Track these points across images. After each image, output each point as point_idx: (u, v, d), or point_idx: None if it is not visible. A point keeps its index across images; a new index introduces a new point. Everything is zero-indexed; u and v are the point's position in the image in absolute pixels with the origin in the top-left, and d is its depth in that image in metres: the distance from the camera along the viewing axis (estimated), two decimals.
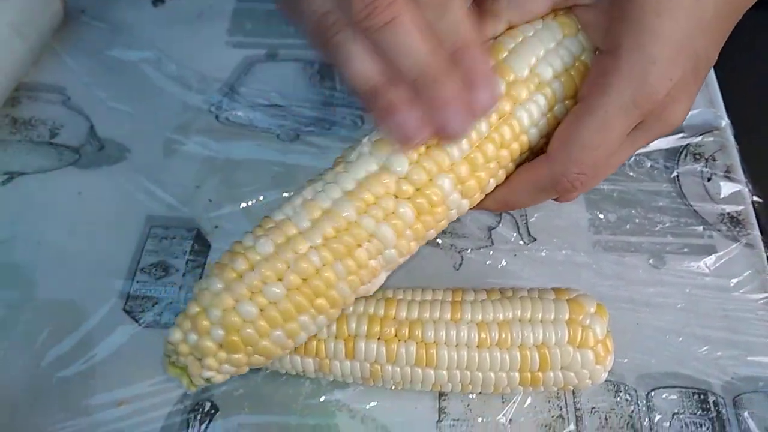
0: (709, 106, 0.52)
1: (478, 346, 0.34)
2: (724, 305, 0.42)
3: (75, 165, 0.49)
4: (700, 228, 0.46)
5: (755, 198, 0.47)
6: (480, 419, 0.38)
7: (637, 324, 0.41)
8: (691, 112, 0.51)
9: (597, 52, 0.36)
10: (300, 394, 0.39)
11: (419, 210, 0.33)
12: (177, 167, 0.48)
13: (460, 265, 0.44)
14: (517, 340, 0.34)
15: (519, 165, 0.37)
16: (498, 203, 0.38)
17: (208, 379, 0.34)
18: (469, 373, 0.35)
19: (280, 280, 0.32)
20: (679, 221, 0.46)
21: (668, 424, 0.38)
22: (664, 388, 0.39)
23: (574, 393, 0.39)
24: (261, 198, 0.47)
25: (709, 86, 0.53)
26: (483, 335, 0.34)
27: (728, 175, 0.48)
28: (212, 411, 0.38)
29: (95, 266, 0.43)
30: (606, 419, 0.38)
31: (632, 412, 0.38)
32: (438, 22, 0.29)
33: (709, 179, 0.48)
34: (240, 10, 0.59)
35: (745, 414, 0.38)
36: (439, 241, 0.45)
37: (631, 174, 0.48)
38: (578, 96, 0.35)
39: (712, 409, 0.38)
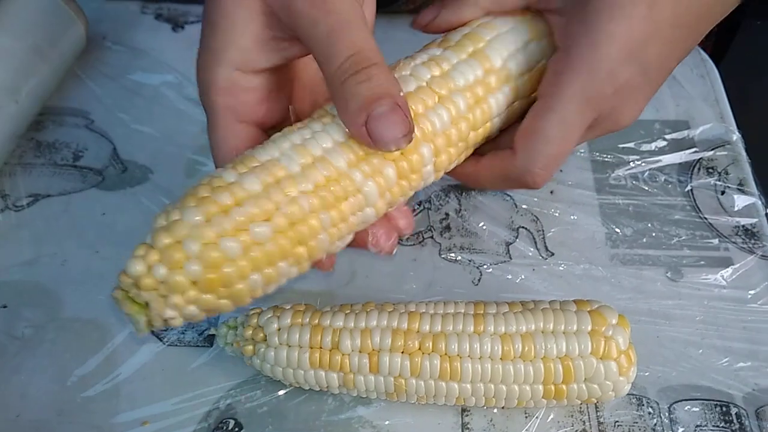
0: (720, 121, 0.52)
1: (501, 359, 0.35)
2: (743, 317, 0.42)
3: (98, 187, 0.49)
4: (716, 241, 0.46)
5: None
6: None
7: (656, 336, 0.42)
8: (702, 127, 0.52)
9: (555, 51, 0.38)
10: (323, 411, 0.39)
11: (400, 173, 0.34)
12: None
13: (479, 280, 0.44)
14: (540, 351, 0.34)
15: (475, 152, 0.40)
16: (464, 177, 0.43)
17: (166, 320, 0.30)
18: (492, 386, 0.35)
19: (267, 220, 0.30)
20: (695, 234, 0.46)
21: None
22: (686, 400, 0.39)
23: (596, 407, 0.39)
24: None
25: (720, 101, 0.54)
26: (506, 347, 0.35)
27: (741, 189, 0.49)
28: (236, 429, 0.38)
29: None
30: None
31: (655, 425, 0.38)
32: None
33: (722, 192, 0.49)
34: None
35: None
36: (458, 257, 0.45)
37: (646, 188, 0.49)
38: (537, 93, 0.38)
39: (735, 421, 0.38)
